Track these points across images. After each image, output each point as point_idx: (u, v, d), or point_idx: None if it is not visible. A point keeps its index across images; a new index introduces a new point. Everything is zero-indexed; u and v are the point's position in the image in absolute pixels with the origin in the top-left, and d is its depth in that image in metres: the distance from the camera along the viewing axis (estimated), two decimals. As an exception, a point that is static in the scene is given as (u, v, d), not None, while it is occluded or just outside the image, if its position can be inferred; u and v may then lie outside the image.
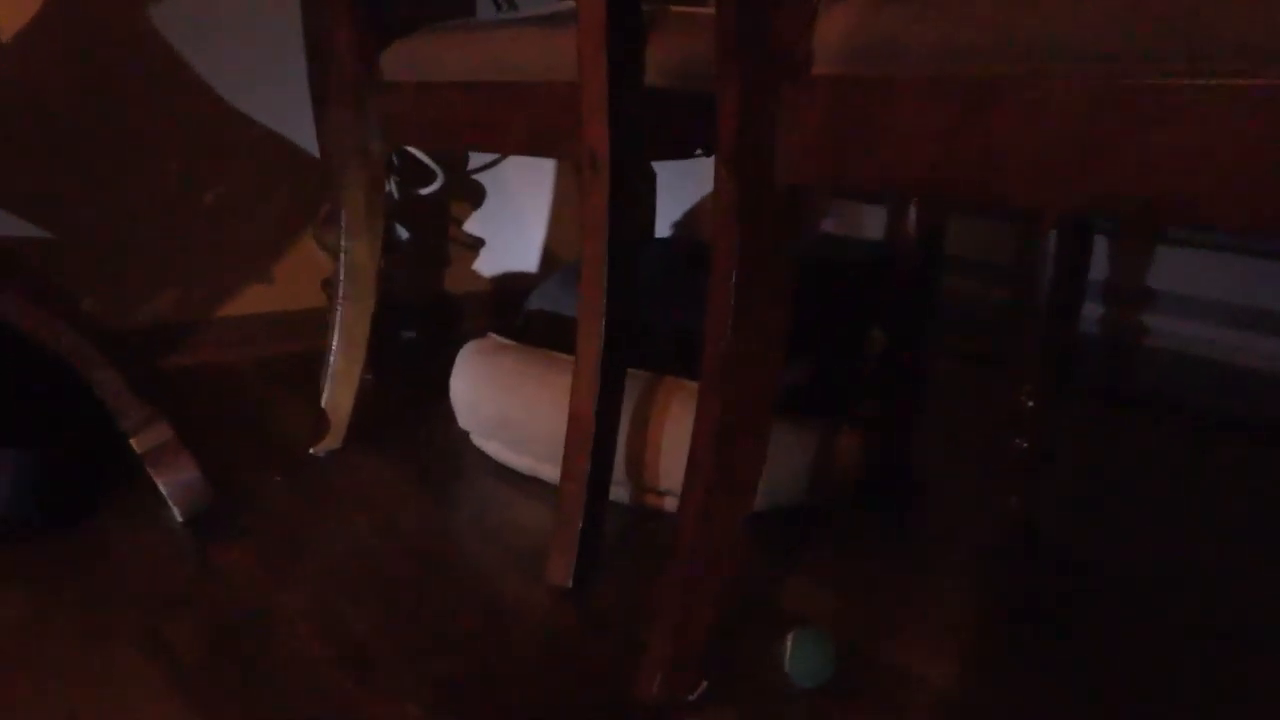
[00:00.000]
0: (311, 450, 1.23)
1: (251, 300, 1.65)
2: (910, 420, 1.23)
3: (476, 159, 1.84)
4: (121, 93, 1.47)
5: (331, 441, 1.24)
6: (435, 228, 1.84)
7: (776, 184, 0.68)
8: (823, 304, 1.16)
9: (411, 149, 1.57)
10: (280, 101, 1.58)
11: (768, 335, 0.71)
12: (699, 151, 0.98)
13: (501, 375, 1.16)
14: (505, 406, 1.15)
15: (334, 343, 1.22)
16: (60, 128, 1.44)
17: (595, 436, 0.90)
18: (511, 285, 1.93)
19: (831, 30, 0.65)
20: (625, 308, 0.91)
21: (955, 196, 0.57)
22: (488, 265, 1.90)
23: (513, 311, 1.29)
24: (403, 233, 1.77)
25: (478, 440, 1.23)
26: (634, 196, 0.90)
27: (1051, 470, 1.12)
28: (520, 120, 0.98)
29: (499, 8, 1.73)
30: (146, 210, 1.53)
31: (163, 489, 1.03)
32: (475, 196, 1.86)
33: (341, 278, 1.20)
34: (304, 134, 1.60)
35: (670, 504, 1.08)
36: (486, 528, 1.07)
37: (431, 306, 1.85)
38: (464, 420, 1.23)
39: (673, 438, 1.04)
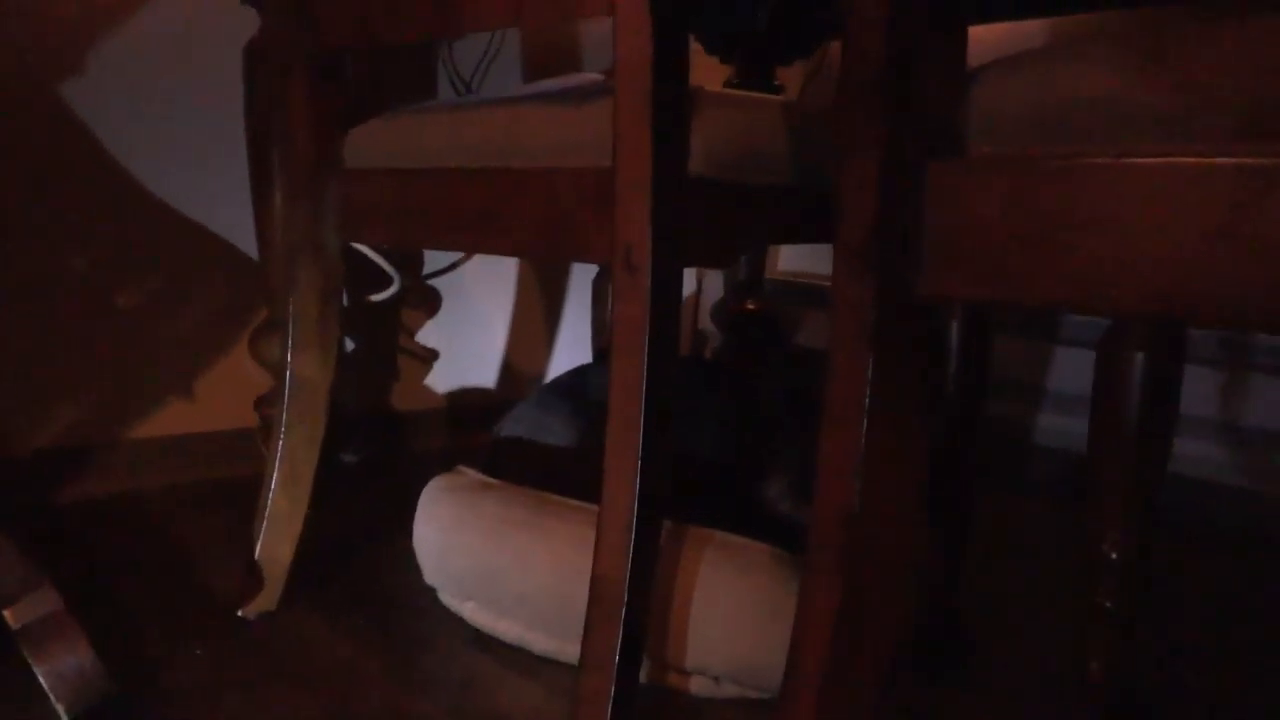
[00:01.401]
0: (241, 612, 0.99)
1: (169, 420, 1.41)
2: (958, 564, 1.05)
3: (433, 262, 1.65)
4: (21, 174, 1.25)
5: (265, 601, 1.00)
6: (384, 337, 1.63)
7: (918, 295, 0.50)
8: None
9: (363, 248, 1.38)
10: (208, 190, 1.38)
11: (904, 495, 0.53)
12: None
13: (481, 521, 0.95)
14: (487, 560, 0.94)
15: (273, 478, 0.99)
16: (-55, 216, 1.21)
17: (627, 608, 0.70)
18: (468, 402, 1.72)
19: (999, 94, 0.49)
20: (664, 442, 0.72)
21: (1197, 320, 0.42)
22: (442, 380, 1.70)
23: (468, 432, 1.09)
24: (348, 342, 1.56)
25: (449, 599, 1.01)
26: (675, 306, 0.72)
27: (1137, 632, 0.94)
28: (524, 213, 0.80)
29: (458, 92, 1.57)
30: (46, 311, 1.30)
31: (42, 679, 0.78)
32: (430, 303, 1.67)
33: (286, 399, 0.99)
34: (236, 229, 1.40)
35: (698, 686, 0.87)
36: (469, 716, 0.84)
37: (376, 425, 1.63)
38: (431, 574, 1.01)
39: (704, 605, 0.84)
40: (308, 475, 1.01)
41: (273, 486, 0.99)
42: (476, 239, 0.84)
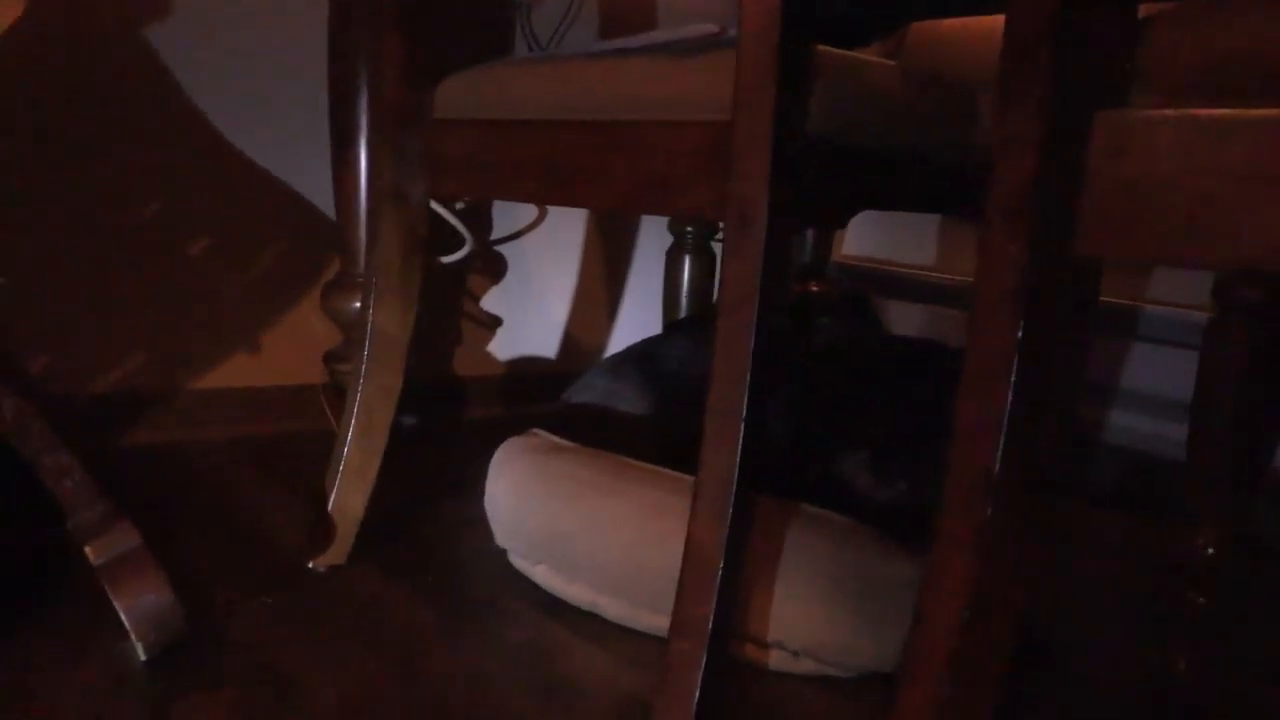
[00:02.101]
0: (311, 564, 0.99)
1: (233, 371, 1.41)
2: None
3: (500, 228, 1.64)
4: (100, 116, 1.25)
5: (336, 555, 0.99)
6: (449, 301, 1.62)
7: (1074, 255, 0.48)
8: (931, 404, 0.96)
9: (437, 207, 1.37)
10: (285, 143, 1.37)
11: (1044, 462, 0.51)
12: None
13: (557, 482, 0.94)
14: (562, 522, 0.92)
15: (350, 430, 0.98)
16: (18, 147, 1.21)
17: (722, 577, 0.68)
18: (527, 371, 1.71)
19: (1171, 44, 0.46)
20: (766, 408, 0.70)
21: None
22: (503, 347, 1.69)
23: (526, 401, 1.07)
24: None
25: (519, 562, 1.00)
26: (786, 267, 0.69)
27: (1230, 633, 0.91)
28: (627, 166, 0.78)
29: (530, 48, 1.55)
30: (115, 256, 1.30)
31: (123, 615, 0.78)
32: (495, 270, 1.65)
33: (366, 350, 0.98)
34: (309, 182, 1.39)
35: (778, 660, 0.85)
36: (536, 681, 0.83)
37: (437, 389, 1.62)
38: (503, 536, 1.00)
39: (788, 577, 0.82)
40: (383, 428, 1.00)
41: (349, 438, 0.98)
42: (573, 192, 0.82)
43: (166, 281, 1.34)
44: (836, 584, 0.81)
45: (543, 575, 0.96)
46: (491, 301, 1.66)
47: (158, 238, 1.32)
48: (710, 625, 0.68)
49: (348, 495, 0.99)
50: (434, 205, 1.36)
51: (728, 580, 0.69)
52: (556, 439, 1.01)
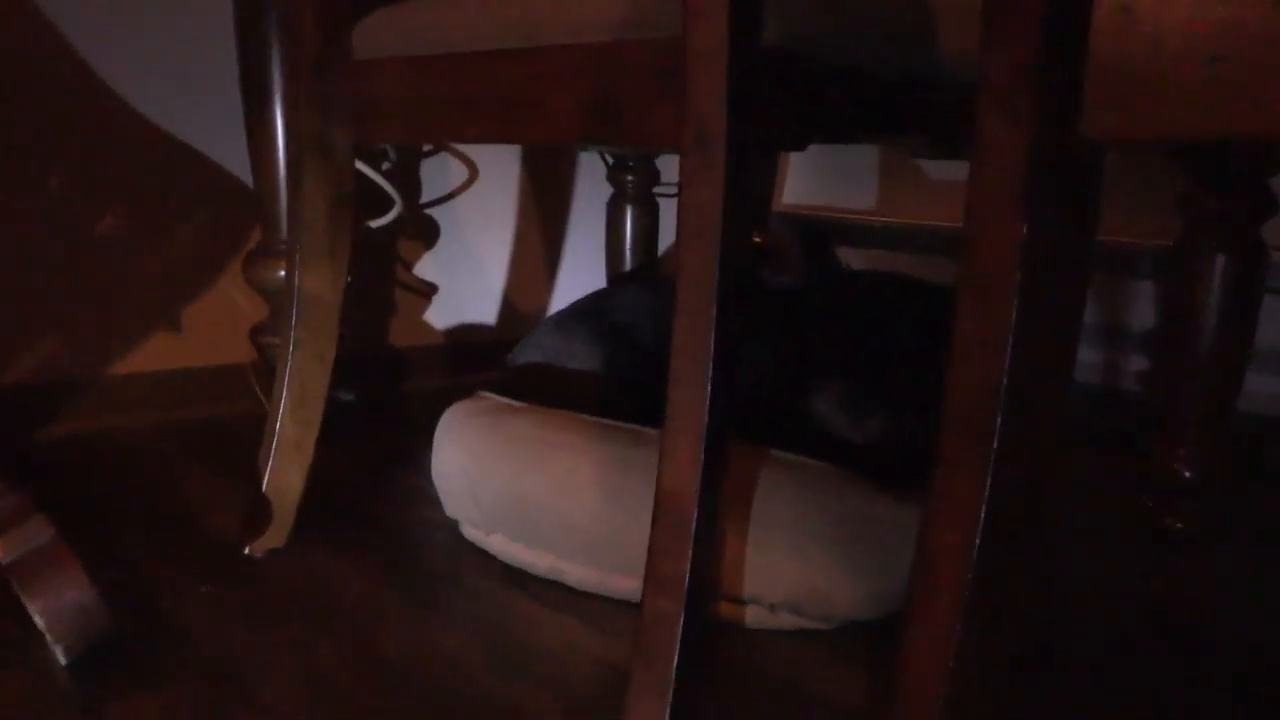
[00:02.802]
0: (248, 550, 0.92)
1: (154, 354, 1.32)
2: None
3: (430, 190, 1.56)
4: (-9, 87, 1.15)
5: (275, 538, 0.93)
6: (381, 269, 1.54)
7: (1079, 139, 0.43)
8: (901, 339, 0.92)
9: (362, 167, 1.29)
10: (195, 107, 1.28)
11: (1055, 374, 0.46)
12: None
13: (509, 444, 0.88)
14: (519, 485, 0.86)
15: (282, 402, 0.91)
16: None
17: (698, 528, 0.63)
18: (468, 339, 1.64)
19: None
20: (735, 348, 0.65)
21: None
22: (441, 316, 1.61)
23: (468, 371, 1.01)
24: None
25: (472, 532, 0.94)
26: (750, 193, 0.64)
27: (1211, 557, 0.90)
28: (565, 96, 0.72)
29: None
30: (20, 236, 1.20)
31: (37, 618, 0.71)
32: (428, 235, 1.58)
33: (294, 315, 0.91)
34: (225, 149, 1.30)
35: (753, 616, 0.81)
36: (502, 655, 0.77)
37: (374, 362, 1.54)
38: (454, 505, 0.94)
39: (761, 527, 0.78)
40: (318, 399, 0.93)
41: (281, 410, 0.91)
42: (513, 128, 0.76)
43: (75, 262, 1.24)
44: (812, 531, 0.77)
45: (499, 544, 0.91)
46: (426, 268, 1.58)
47: (61, 216, 1.22)
48: (688, 582, 0.63)
49: (284, 473, 0.92)
50: (360, 165, 1.28)
51: (704, 532, 0.64)
52: (505, 400, 0.95)
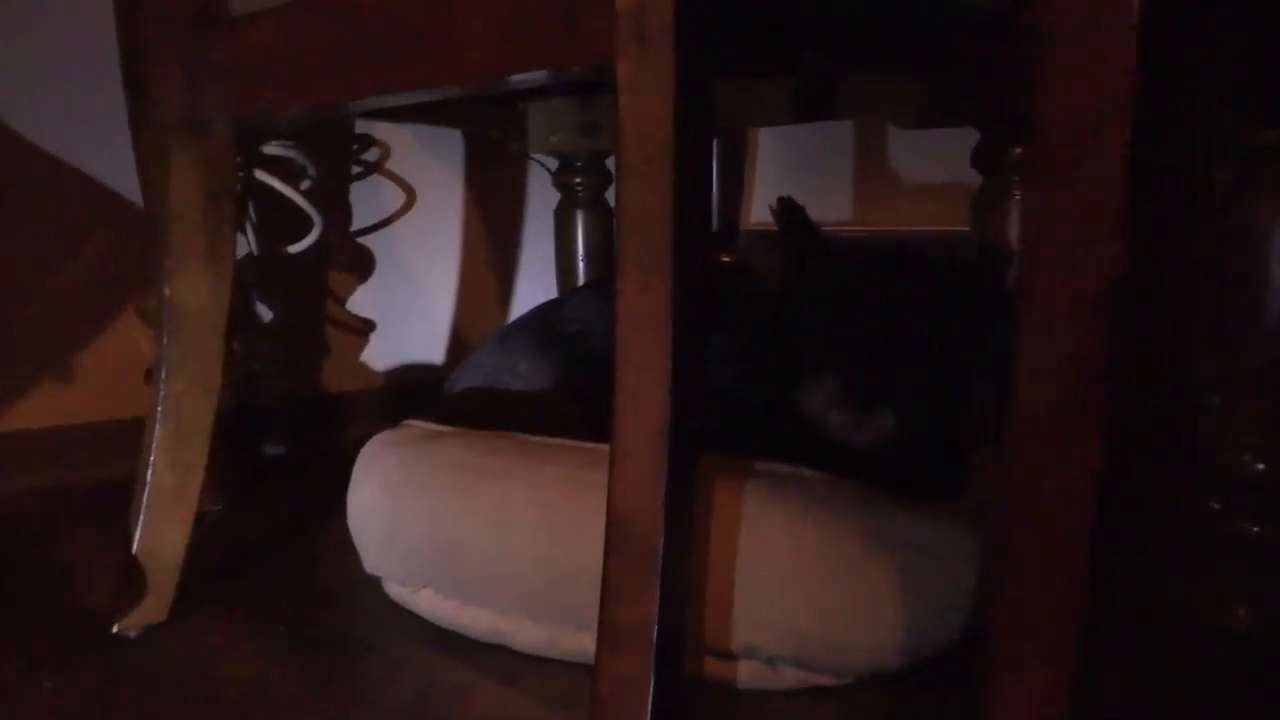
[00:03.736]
0: (117, 628, 0.74)
1: (39, 409, 1.15)
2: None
3: (362, 216, 1.40)
4: None
5: (152, 611, 0.75)
6: (309, 304, 1.38)
7: None
8: (908, 322, 0.77)
9: (273, 181, 1.13)
10: (83, 120, 1.12)
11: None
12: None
13: (436, 474, 0.71)
14: (448, 525, 0.69)
15: (155, 441, 0.74)
16: None
17: (665, 560, 0.46)
18: (412, 379, 1.47)
19: None
20: (702, 319, 0.49)
21: None
22: (380, 355, 1.45)
23: (414, 412, 0.85)
24: (264, 311, 1.31)
25: (397, 590, 0.77)
26: (705, 109, 0.49)
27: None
28: (474, 17, 0.57)
29: None
30: None
31: None
32: (361, 266, 1.42)
33: (166, 335, 0.74)
34: (120, 169, 1.14)
35: (748, 674, 0.64)
36: (429, 743, 0.60)
37: (305, 410, 1.37)
38: (373, 558, 0.77)
39: (750, 560, 0.61)
40: (201, 436, 0.76)
41: (153, 452, 0.74)
42: (417, 71, 0.60)
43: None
44: (816, 561, 0.61)
45: (427, 603, 0.73)
46: (361, 303, 1.42)
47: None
48: (656, 630, 0.46)
49: (160, 530, 0.74)
50: (273, 182, 1.13)
51: (672, 565, 0.47)
52: (434, 426, 0.79)
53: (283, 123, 0.94)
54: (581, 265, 1.24)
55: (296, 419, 1.35)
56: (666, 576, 0.46)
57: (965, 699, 0.41)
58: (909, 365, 0.70)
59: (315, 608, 0.80)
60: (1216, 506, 0.76)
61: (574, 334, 0.90)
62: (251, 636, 0.74)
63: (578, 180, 1.23)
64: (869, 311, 0.75)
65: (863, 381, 0.68)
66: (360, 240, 1.41)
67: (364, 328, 1.43)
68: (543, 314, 0.96)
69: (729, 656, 0.63)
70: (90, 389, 1.17)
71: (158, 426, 0.74)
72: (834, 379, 0.68)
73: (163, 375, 0.74)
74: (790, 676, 0.63)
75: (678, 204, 0.47)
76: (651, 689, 0.45)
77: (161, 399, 0.74)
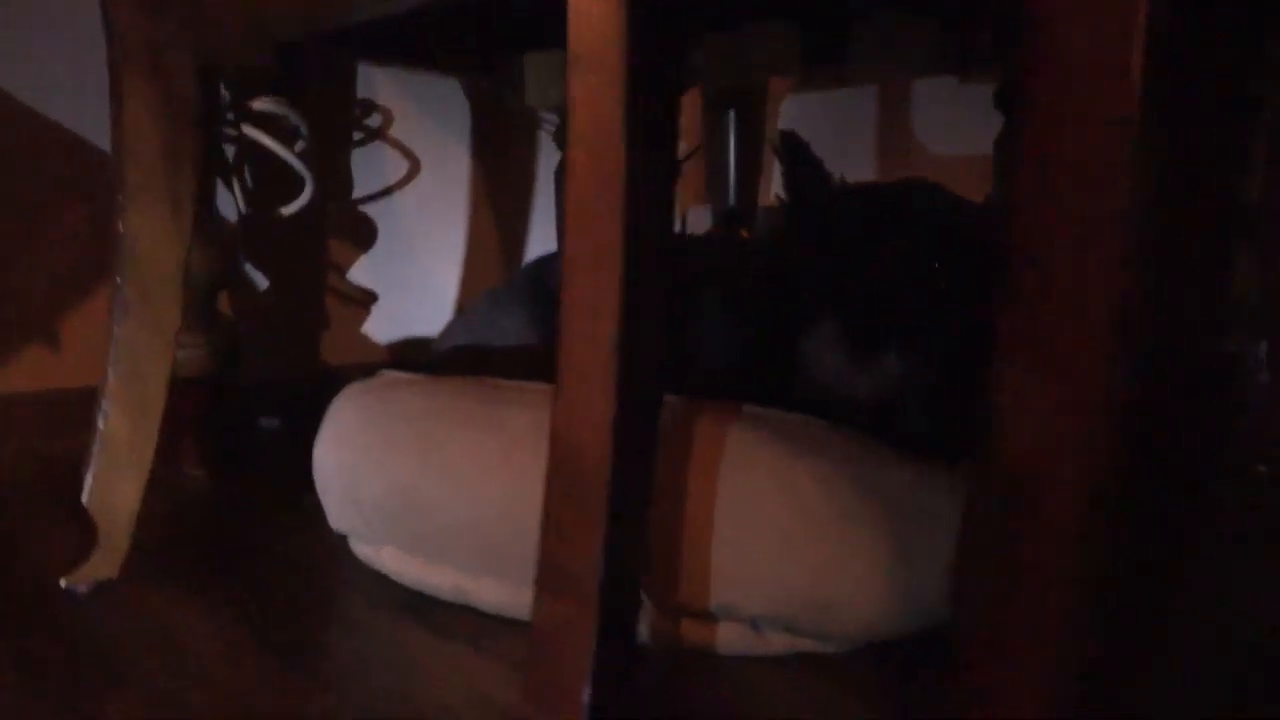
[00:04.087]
0: (65, 582, 0.69)
1: (26, 373, 1.11)
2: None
3: (364, 184, 1.36)
4: None
5: (103, 566, 0.70)
6: (307, 273, 1.34)
7: None
8: (930, 264, 0.70)
9: (266, 140, 1.09)
10: (70, 78, 1.09)
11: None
12: None
13: (397, 424, 0.66)
14: (405, 478, 0.64)
15: (108, 387, 0.70)
16: None
17: (612, 492, 0.41)
18: (414, 354, 1.43)
19: None
20: (663, 230, 0.44)
21: None
22: (381, 328, 1.40)
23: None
24: (259, 279, 1.27)
25: (362, 549, 0.72)
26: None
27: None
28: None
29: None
30: None
31: None
32: (363, 235, 1.38)
33: (122, 275, 0.70)
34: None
35: (728, 638, 0.58)
36: (389, 713, 0.55)
37: (302, 384, 1.33)
38: (335, 513, 0.72)
39: (732, 512, 0.55)
40: (156, 384, 0.71)
41: (105, 399, 0.70)
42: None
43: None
44: (807, 513, 0.55)
45: (391, 561, 0.68)
46: (362, 273, 1.38)
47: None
48: (600, 571, 0.40)
49: (112, 481, 0.70)
50: (261, 138, 1.09)
51: (623, 502, 0.42)
52: (408, 375, 0.74)
53: (245, 55, 0.89)
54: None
55: (293, 392, 1.31)
56: (615, 513, 0.41)
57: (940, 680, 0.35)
58: (919, 309, 0.63)
59: (280, 570, 0.75)
60: (1263, 469, 0.69)
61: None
62: (203, 595, 0.69)
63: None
64: (876, 252, 0.69)
65: (867, 323, 0.61)
66: (361, 209, 1.37)
67: (365, 299, 1.38)
68: (532, 272, 0.91)
69: (708, 618, 0.58)
70: (77, 355, 1.14)
71: (110, 370, 0.70)
72: (835, 320, 0.62)
73: (116, 320, 0.70)
74: (776, 642, 0.57)
75: (633, 106, 0.41)
76: (594, 635, 0.40)
77: (115, 341, 0.70)
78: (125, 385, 0.70)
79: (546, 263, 0.92)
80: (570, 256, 0.41)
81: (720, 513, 0.55)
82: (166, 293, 0.71)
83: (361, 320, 1.39)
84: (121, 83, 0.68)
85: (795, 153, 0.72)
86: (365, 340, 1.39)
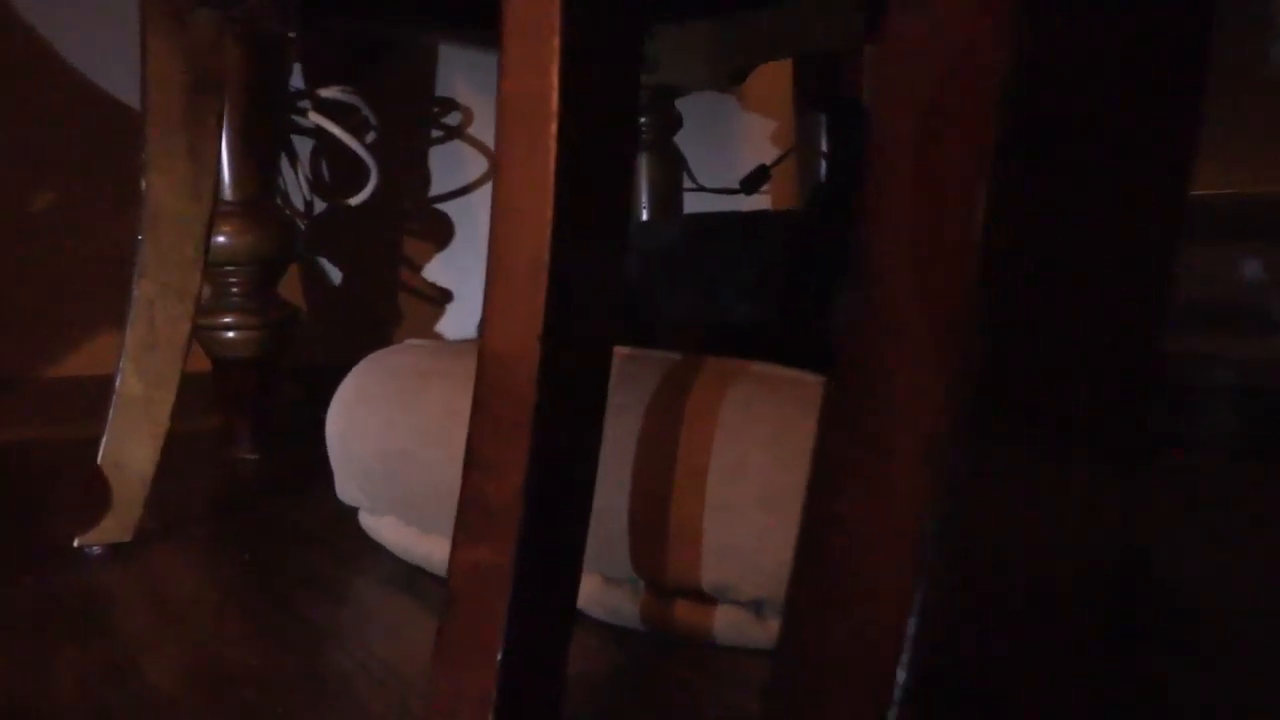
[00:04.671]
0: (78, 542, 0.69)
1: (97, 355, 1.14)
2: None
3: (441, 181, 1.36)
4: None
5: (116, 529, 0.69)
6: (379, 268, 1.34)
7: None
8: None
9: (333, 128, 1.10)
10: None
11: None
12: None
13: (388, 383, 0.63)
14: (392, 440, 0.61)
15: (126, 347, 0.69)
16: None
17: (540, 413, 0.36)
18: (489, 354, 1.41)
19: None
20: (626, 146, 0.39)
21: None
22: (455, 326, 1.39)
23: None
24: (332, 272, 1.28)
25: (367, 521, 0.69)
26: None
27: None
28: None
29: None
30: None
31: None
32: (439, 233, 1.37)
33: (143, 233, 0.69)
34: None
35: (725, 623, 0.52)
36: (352, 681, 0.51)
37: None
38: (340, 483, 0.69)
39: (728, 479, 0.49)
40: (174, 347, 0.70)
41: (122, 358, 0.69)
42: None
43: (5, 245, 1.08)
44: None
45: (390, 533, 0.65)
46: (437, 271, 1.37)
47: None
48: (523, 511, 0.36)
49: (127, 444, 0.69)
50: (328, 125, 1.09)
51: (555, 433, 0.37)
52: (429, 342, 0.71)
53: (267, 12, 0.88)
54: (646, 206, 1.15)
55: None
56: (544, 444, 0.36)
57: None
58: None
59: (296, 546, 0.73)
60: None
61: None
62: (204, 567, 0.68)
63: (642, 121, 1.14)
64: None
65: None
66: (438, 206, 1.37)
67: (440, 298, 1.38)
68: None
69: (700, 598, 0.52)
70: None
71: (128, 332, 0.69)
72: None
73: (136, 279, 0.69)
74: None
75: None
76: (511, 584, 0.35)
77: (133, 302, 0.69)
78: (142, 348, 0.69)
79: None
80: (502, 157, 0.37)
81: (712, 479, 0.49)
82: (188, 256, 0.70)
83: (437, 317, 1.38)
84: (146, 39, 0.68)
85: (842, 110, 0.66)
86: (438, 338, 1.39)
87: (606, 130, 0.38)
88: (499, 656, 0.35)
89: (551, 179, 0.36)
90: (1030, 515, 0.18)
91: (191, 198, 0.70)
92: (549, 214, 0.36)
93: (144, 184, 0.69)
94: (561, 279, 0.36)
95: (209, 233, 0.71)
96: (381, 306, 1.35)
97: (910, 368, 0.18)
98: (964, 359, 0.17)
